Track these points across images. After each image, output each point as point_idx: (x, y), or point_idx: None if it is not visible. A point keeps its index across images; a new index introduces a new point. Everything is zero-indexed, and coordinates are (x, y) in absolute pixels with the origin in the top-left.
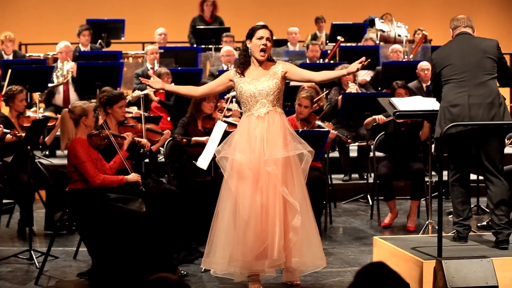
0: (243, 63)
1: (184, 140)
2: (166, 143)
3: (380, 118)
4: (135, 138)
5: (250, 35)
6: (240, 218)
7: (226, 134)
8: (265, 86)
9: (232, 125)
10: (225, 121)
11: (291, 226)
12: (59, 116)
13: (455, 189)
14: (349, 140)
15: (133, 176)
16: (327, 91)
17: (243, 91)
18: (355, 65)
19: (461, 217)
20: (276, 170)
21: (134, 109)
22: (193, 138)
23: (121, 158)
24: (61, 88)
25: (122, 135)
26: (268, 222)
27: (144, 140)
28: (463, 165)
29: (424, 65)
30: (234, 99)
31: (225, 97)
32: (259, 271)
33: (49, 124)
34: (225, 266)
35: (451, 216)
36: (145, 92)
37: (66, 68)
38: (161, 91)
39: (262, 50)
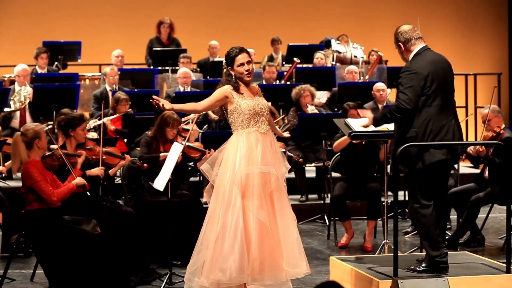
0: (234, 83)
1: (145, 165)
2: None
3: None
4: (90, 158)
5: (230, 63)
6: (247, 232)
7: (188, 160)
8: (264, 104)
9: (196, 151)
10: (189, 147)
11: (296, 238)
12: None
13: (432, 219)
14: (300, 160)
15: (80, 180)
16: (284, 115)
17: (249, 107)
18: None
19: (441, 249)
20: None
21: (94, 135)
22: (162, 154)
23: (74, 178)
24: (17, 112)
25: (75, 153)
26: (272, 237)
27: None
28: (444, 192)
29: (380, 86)
30: (191, 120)
31: (184, 118)
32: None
33: (5, 150)
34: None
35: (408, 236)
36: (102, 121)
37: (23, 94)
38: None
39: (247, 75)
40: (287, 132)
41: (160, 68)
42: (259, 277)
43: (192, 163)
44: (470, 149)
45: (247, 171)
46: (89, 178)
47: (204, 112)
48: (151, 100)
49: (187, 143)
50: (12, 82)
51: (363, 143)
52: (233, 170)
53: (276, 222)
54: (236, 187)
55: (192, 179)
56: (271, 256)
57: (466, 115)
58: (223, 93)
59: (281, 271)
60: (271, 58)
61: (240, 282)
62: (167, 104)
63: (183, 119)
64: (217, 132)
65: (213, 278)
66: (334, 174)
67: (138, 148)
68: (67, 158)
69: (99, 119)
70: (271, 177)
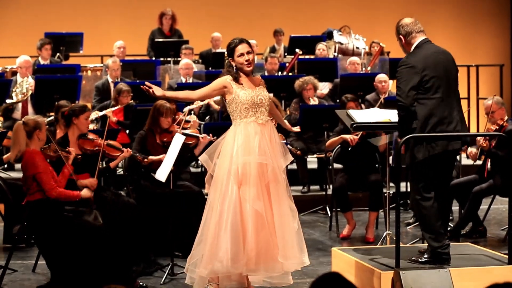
0: (234, 74)
1: (146, 160)
2: None
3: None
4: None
5: (230, 53)
6: (244, 223)
7: (184, 147)
8: (264, 96)
9: (192, 137)
10: (184, 134)
11: (296, 230)
12: None
13: (433, 211)
14: (298, 152)
15: (86, 192)
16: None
17: (247, 97)
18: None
19: (442, 240)
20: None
21: (93, 126)
22: (149, 157)
23: (69, 171)
24: (19, 103)
25: (67, 149)
26: (268, 228)
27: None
28: (447, 183)
29: (382, 77)
30: (192, 112)
31: (184, 110)
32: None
33: (5, 143)
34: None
35: (410, 227)
36: (103, 112)
37: (25, 86)
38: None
39: (247, 65)
40: (298, 126)
41: (162, 59)
42: (255, 268)
43: (189, 154)
44: (471, 152)
45: (244, 161)
46: None
47: (206, 103)
48: (142, 86)
49: (182, 131)
50: (14, 73)
51: (363, 134)
52: (230, 160)
53: (272, 213)
54: (233, 177)
55: (194, 170)
56: (267, 247)
57: (468, 106)
58: (221, 83)
59: (276, 262)
60: (273, 50)
61: (236, 271)
62: (158, 91)
63: (184, 109)
64: (218, 123)
65: (212, 268)
66: (336, 165)
67: None
68: (61, 152)
69: (101, 111)
70: (268, 167)
